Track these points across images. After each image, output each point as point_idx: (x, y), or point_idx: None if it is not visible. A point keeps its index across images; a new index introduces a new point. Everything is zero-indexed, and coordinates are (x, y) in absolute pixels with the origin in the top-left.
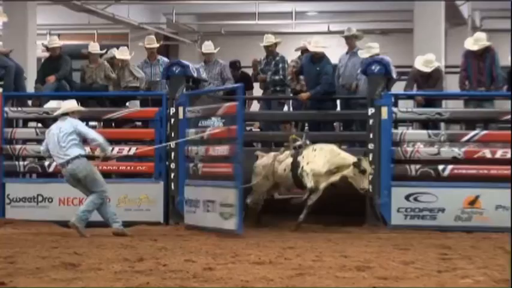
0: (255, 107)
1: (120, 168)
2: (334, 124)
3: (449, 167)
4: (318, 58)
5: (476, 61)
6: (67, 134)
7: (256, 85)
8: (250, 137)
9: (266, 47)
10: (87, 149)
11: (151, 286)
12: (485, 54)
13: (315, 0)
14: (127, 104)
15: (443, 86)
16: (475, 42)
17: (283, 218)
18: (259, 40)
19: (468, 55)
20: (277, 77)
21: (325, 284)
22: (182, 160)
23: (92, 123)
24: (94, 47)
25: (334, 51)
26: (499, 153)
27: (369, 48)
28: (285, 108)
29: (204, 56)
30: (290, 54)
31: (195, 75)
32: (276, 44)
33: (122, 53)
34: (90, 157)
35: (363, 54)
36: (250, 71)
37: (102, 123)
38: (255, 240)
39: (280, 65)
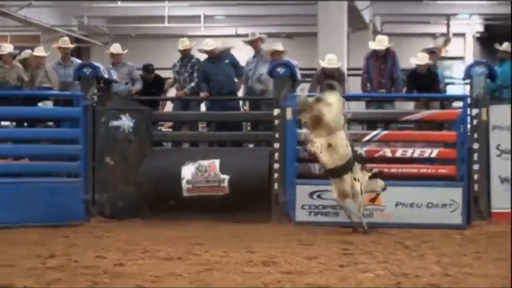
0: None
1: None
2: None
3: None
4: (215, 58)
5: (377, 63)
6: None
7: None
8: (160, 137)
9: (182, 51)
10: None
11: (63, 282)
12: (387, 57)
13: (222, 5)
14: (39, 104)
15: (345, 88)
16: (378, 43)
17: (192, 216)
18: (169, 43)
19: (370, 58)
20: (195, 80)
21: (232, 278)
22: None
23: (4, 122)
24: (7, 48)
25: (240, 53)
26: (399, 152)
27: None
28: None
29: (112, 58)
30: (200, 56)
31: (106, 76)
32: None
33: (38, 51)
34: None
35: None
36: (163, 74)
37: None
38: (164, 237)
39: (196, 67)
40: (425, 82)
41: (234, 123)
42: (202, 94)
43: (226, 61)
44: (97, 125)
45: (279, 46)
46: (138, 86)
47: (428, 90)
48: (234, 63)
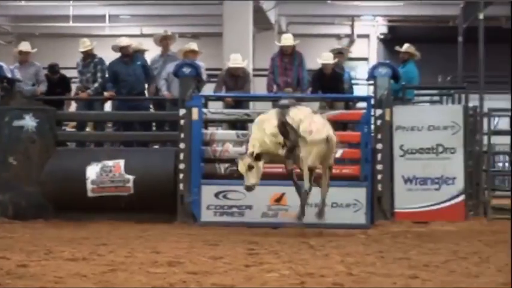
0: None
1: None
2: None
3: None
4: (127, 57)
5: (283, 64)
6: None
7: None
8: (64, 136)
9: (83, 52)
10: None
11: None
12: (294, 57)
13: (128, 4)
14: None
15: (250, 88)
16: (284, 40)
17: (96, 216)
18: (75, 42)
19: (276, 58)
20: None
21: (137, 279)
22: None
23: None
24: None
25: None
26: None
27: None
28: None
29: (20, 57)
30: (103, 57)
31: (9, 75)
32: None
33: None
34: None
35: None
36: (69, 74)
37: None
38: (68, 237)
39: (99, 67)
40: (330, 83)
41: (139, 123)
42: (106, 94)
43: (138, 63)
44: (0, 125)
45: (194, 46)
46: (43, 87)
47: (333, 91)
48: (146, 67)
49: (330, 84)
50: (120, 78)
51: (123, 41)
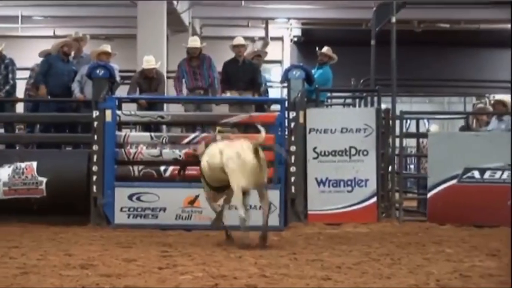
0: None
1: None
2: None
3: (171, 168)
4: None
5: (191, 68)
6: None
7: None
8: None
9: None
10: None
11: None
12: (202, 61)
13: (40, 5)
14: None
15: (164, 90)
16: (191, 42)
17: (8, 218)
18: None
19: (183, 64)
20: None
21: (49, 282)
22: None
23: None
24: None
25: None
26: None
27: None
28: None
29: None
30: (16, 58)
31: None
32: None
33: None
34: None
35: None
36: None
37: None
38: None
39: (10, 68)
40: (246, 72)
41: (53, 124)
42: (42, 90)
43: (73, 66)
44: None
45: (107, 48)
46: None
47: (250, 81)
48: (76, 71)
49: (245, 74)
50: (55, 75)
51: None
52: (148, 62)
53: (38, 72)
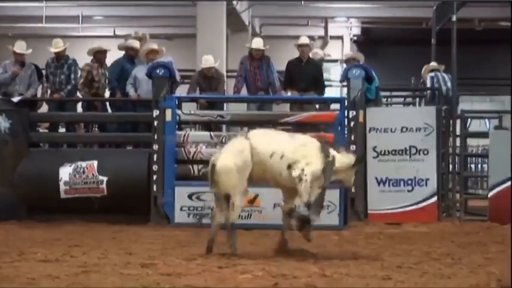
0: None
1: None
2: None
3: None
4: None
5: (252, 68)
6: None
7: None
8: (37, 137)
9: (56, 52)
10: None
11: None
12: (262, 62)
13: (101, 5)
14: None
15: (225, 89)
16: (255, 43)
17: (69, 217)
18: (47, 43)
19: (245, 62)
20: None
21: (110, 280)
22: None
23: None
24: None
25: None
26: None
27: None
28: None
29: (17, 57)
30: (77, 57)
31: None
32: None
33: None
34: None
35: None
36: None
37: None
38: (41, 239)
39: (73, 68)
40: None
41: (114, 124)
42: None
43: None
44: None
45: (154, 45)
46: (32, 90)
47: (313, 80)
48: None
49: (307, 72)
50: (126, 76)
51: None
52: (207, 61)
53: (112, 77)
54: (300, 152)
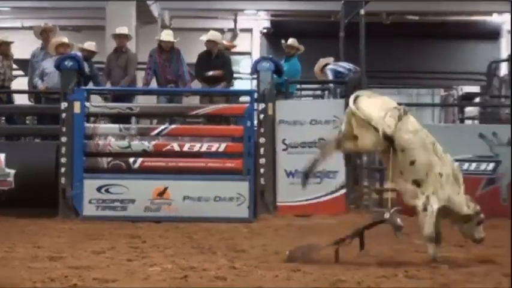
0: None
1: None
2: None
3: (140, 159)
4: None
5: (162, 60)
6: None
7: None
8: None
9: None
10: None
11: None
12: (172, 54)
13: None
14: None
15: (133, 71)
16: (165, 35)
17: None
18: None
19: (154, 54)
20: None
21: (17, 274)
22: None
23: None
24: None
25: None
26: (186, 147)
27: None
28: None
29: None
30: None
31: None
32: None
33: None
34: None
35: None
36: None
37: None
38: None
39: None
40: (217, 64)
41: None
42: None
43: None
44: None
45: (64, 38)
46: None
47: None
48: None
49: (217, 65)
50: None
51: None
52: (120, 30)
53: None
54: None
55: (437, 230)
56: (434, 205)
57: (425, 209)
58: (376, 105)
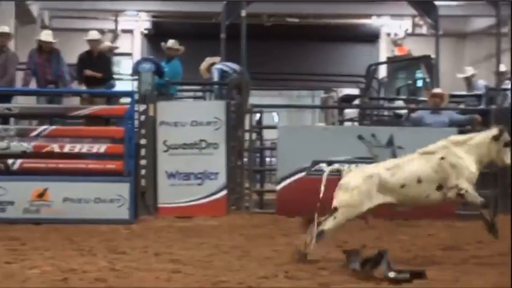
0: None
1: None
2: None
3: (19, 161)
4: None
5: (42, 61)
6: None
7: None
8: None
9: None
10: None
11: None
12: (51, 55)
13: None
14: None
15: (13, 69)
16: (45, 36)
17: None
18: None
19: (33, 55)
20: None
21: None
22: None
23: None
24: None
25: None
26: (67, 148)
27: None
28: None
29: None
30: None
31: None
32: None
33: None
34: None
35: None
36: None
37: None
38: None
39: None
40: (99, 64)
41: None
42: None
43: None
44: None
45: None
46: None
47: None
48: None
49: (98, 66)
50: None
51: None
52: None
53: None
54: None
55: None
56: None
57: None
58: None
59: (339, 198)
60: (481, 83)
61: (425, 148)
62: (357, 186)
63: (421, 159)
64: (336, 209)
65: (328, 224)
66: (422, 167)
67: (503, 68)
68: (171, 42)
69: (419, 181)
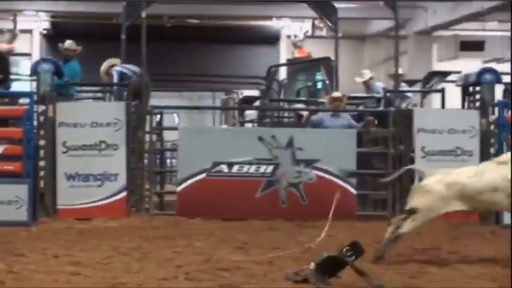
0: None
1: None
2: None
3: None
4: None
5: None
6: None
7: None
8: None
9: None
10: None
11: None
12: None
13: None
14: None
15: None
16: None
17: None
18: None
19: None
20: None
21: None
22: None
23: None
24: None
25: None
26: None
27: None
28: None
29: None
30: None
31: None
32: None
33: None
34: None
35: None
36: None
37: None
38: None
39: None
40: None
41: None
42: None
43: None
44: None
45: None
46: None
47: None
48: None
49: None
50: None
51: None
52: None
53: None
54: None
55: None
56: None
57: None
58: None
59: (419, 200)
60: (379, 85)
61: (500, 158)
62: (439, 191)
63: (498, 168)
64: (414, 211)
65: (407, 226)
66: (499, 176)
67: (400, 70)
68: (68, 43)
69: (495, 190)
